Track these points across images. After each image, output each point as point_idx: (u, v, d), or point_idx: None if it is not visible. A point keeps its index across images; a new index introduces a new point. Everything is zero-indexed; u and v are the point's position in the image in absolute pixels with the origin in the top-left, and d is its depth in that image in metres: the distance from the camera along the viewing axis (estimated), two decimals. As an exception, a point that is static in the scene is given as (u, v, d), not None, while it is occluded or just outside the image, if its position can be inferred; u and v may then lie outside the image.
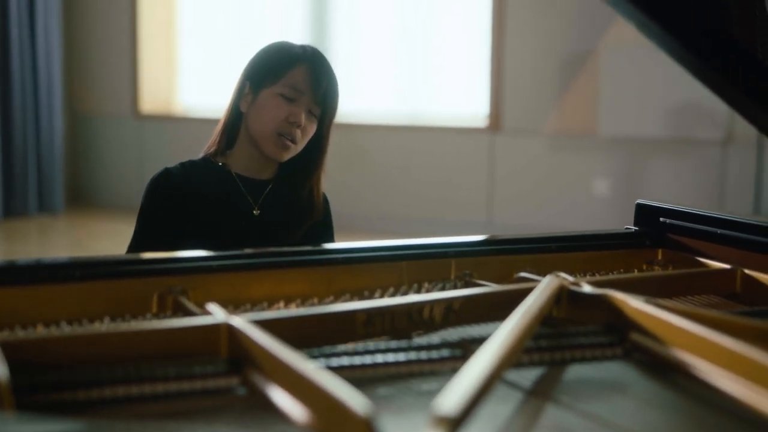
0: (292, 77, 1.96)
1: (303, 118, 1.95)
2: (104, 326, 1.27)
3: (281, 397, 0.97)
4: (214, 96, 7.68)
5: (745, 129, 5.99)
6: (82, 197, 8.17)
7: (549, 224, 6.53)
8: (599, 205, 6.50)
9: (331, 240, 2.15)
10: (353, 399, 0.84)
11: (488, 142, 6.81)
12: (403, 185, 7.07)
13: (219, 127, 2.07)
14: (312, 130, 2.00)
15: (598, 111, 6.38)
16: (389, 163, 7.09)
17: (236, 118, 2.04)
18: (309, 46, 2.02)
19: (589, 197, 6.55)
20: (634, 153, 6.40)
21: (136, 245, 1.97)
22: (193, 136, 7.34)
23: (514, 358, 1.08)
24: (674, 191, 6.21)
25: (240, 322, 1.11)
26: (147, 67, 7.83)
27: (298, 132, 1.96)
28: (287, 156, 1.99)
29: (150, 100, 7.88)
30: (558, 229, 6.34)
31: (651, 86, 6.19)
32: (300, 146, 2.00)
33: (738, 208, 6.08)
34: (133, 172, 7.77)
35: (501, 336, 1.06)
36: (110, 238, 6.70)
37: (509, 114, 6.74)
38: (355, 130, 7.02)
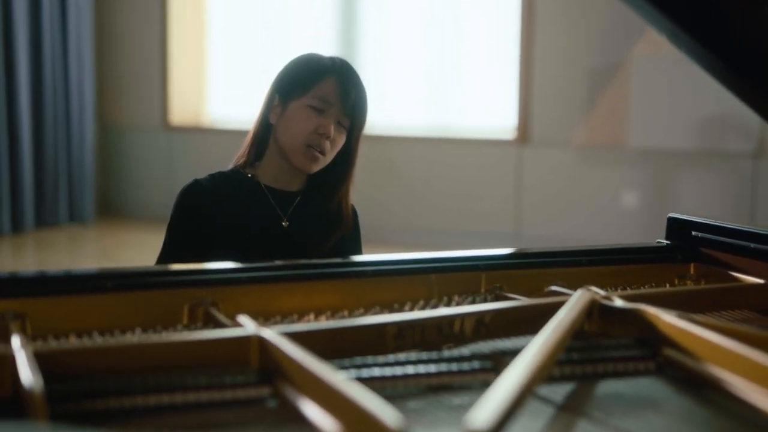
0: (321, 89, 1.97)
1: (332, 129, 1.95)
2: (136, 337, 1.27)
3: (312, 410, 0.97)
4: (243, 108, 7.72)
5: (776, 141, 5.94)
6: (112, 207, 8.23)
7: (577, 237, 6.49)
8: (628, 218, 6.46)
9: (359, 252, 2.15)
10: (385, 412, 0.83)
11: (516, 154, 6.79)
12: (430, 197, 7.07)
13: (248, 138, 2.07)
14: (341, 141, 2.00)
15: (627, 123, 6.35)
16: (417, 174, 7.09)
17: (265, 129, 2.04)
18: (338, 58, 2.03)
19: (618, 210, 6.51)
20: (663, 165, 6.35)
21: (165, 256, 1.98)
22: (222, 148, 7.37)
23: (546, 372, 1.07)
24: (704, 204, 6.15)
25: (271, 334, 1.11)
26: (177, 80, 7.89)
27: (327, 143, 1.96)
28: (316, 168, 1.99)
29: (179, 112, 7.94)
30: (585, 241, 6.30)
31: (681, 98, 6.14)
32: (329, 158, 2.00)
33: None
34: (162, 183, 7.83)
35: (533, 350, 1.06)
36: (138, 248, 6.74)
37: (537, 126, 6.72)
38: (383, 141, 7.02)
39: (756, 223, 5.90)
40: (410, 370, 1.13)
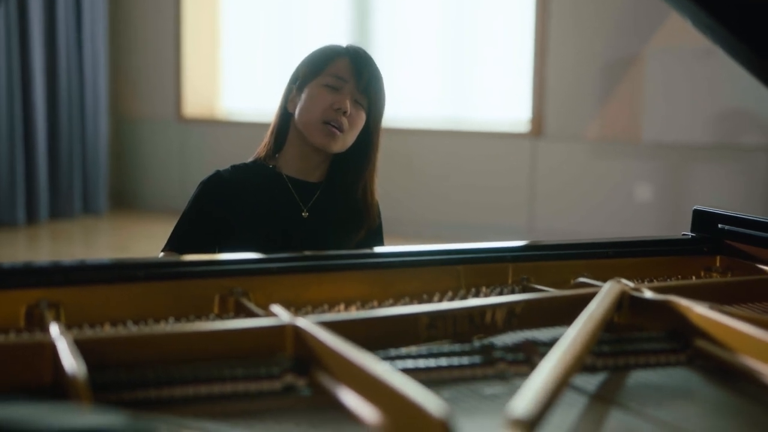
0: (334, 67, 1.99)
1: (348, 104, 1.96)
2: (170, 326, 1.28)
3: (351, 399, 0.98)
4: (256, 100, 7.74)
5: (791, 135, 5.92)
6: (126, 199, 8.26)
7: (590, 230, 6.48)
8: (642, 212, 6.45)
9: (381, 244, 2.15)
10: (429, 401, 0.84)
11: (530, 148, 6.79)
12: (444, 190, 7.07)
13: (269, 130, 2.09)
14: (359, 121, 2.00)
15: (641, 116, 6.34)
16: (431, 167, 7.09)
17: (285, 120, 2.06)
18: (352, 45, 2.06)
19: (632, 203, 6.50)
20: (677, 159, 6.34)
21: (174, 243, 1.97)
22: (236, 140, 7.43)
23: (581, 363, 1.08)
24: (718, 198, 6.14)
25: (306, 323, 1.12)
26: (190, 72, 7.90)
27: (345, 120, 1.97)
28: (336, 146, 1.98)
29: (193, 104, 7.96)
30: (598, 235, 6.29)
31: (695, 92, 6.13)
32: (348, 138, 2.00)
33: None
34: (176, 175, 7.85)
35: (568, 341, 1.06)
36: (151, 240, 6.76)
37: (551, 119, 6.71)
38: (397, 134, 7.02)
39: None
40: (443, 361, 1.14)
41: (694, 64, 6.03)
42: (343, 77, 1.98)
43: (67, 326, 1.26)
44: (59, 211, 7.47)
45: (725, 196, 6.14)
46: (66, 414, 0.81)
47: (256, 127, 8.16)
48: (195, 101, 7.97)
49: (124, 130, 8.27)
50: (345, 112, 1.96)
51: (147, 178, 8.20)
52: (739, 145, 6.09)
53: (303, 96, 2.01)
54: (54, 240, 6.99)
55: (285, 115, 2.06)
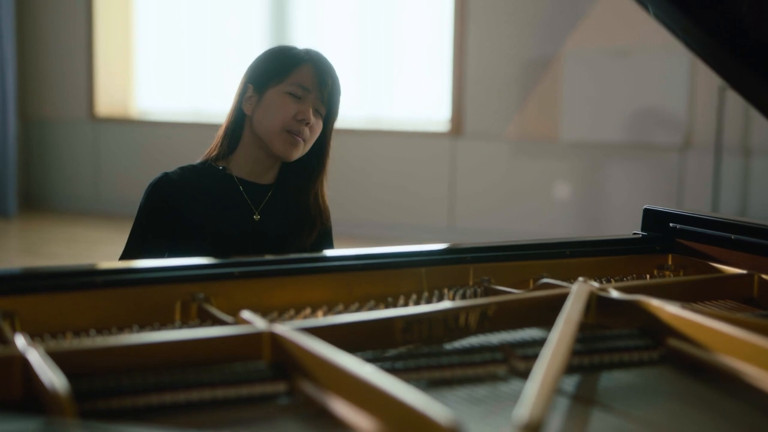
0: (299, 76, 1.96)
1: (311, 115, 1.95)
2: (134, 334, 1.24)
3: (342, 407, 0.95)
4: (171, 99, 7.60)
5: (702, 134, 6.09)
6: (36, 201, 8.01)
7: (510, 229, 6.56)
8: (560, 210, 6.56)
9: (330, 247, 2.14)
10: (434, 408, 0.82)
11: (450, 147, 6.83)
12: (364, 189, 7.06)
13: (221, 131, 2.04)
14: (319, 129, 2.00)
15: (559, 116, 6.44)
16: (350, 167, 7.07)
17: (239, 121, 2.01)
18: (312, 49, 2.02)
19: (551, 202, 6.60)
20: (594, 158, 6.47)
21: (130, 250, 1.93)
22: (150, 140, 7.29)
23: (566, 366, 1.07)
24: (634, 195, 6.29)
25: (285, 330, 1.09)
26: (103, 70, 7.71)
27: (307, 130, 1.95)
28: (296, 154, 1.97)
29: (106, 103, 7.76)
30: (518, 234, 6.38)
31: (612, 92, 6.26)
32: (307, 147, 1.99)
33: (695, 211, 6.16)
34: (89, 175, 7.63)
35: (554, 344, 1.06)
36: (64, 243, 6.56)
37: (471, 119, 6.77)
38: (316, 134, 6.97)
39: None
40: (423, 362, 1.13)
41: (609, 65, 6.16)
42: (307, 87, 1.95)
43: (30, 336, 1.20)
44: (-34, 213, 7.22)
45: (640, 193, 6.29)
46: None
47: (171, 126, 8.06)
48: (108, 100, 7.77)
49: (34, 130, 8.02)
50: (307, 123, 1.93)
51: (58, 179, 7.96)
52: (652, 143, 6.24)
53: (263, 102, 1.96)
54: (-39, 244, 6.74)
55: (240, 116, 2.01)
